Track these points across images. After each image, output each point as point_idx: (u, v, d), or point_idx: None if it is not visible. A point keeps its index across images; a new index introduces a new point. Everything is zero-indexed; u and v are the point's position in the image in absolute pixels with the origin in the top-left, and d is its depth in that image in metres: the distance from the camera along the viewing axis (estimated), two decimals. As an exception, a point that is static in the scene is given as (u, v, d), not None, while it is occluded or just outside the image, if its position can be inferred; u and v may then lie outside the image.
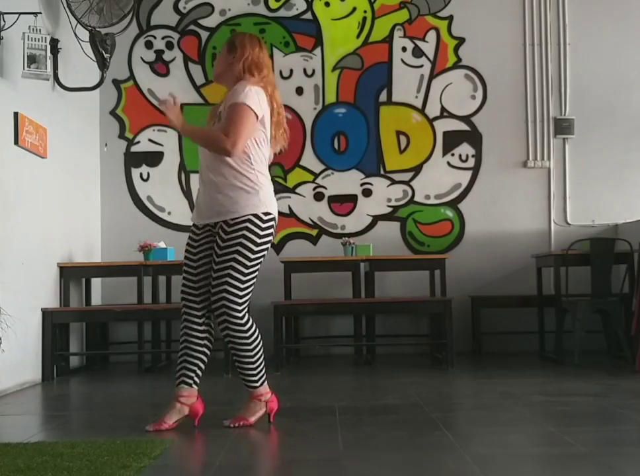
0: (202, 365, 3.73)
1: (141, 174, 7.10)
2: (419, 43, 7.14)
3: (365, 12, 7.17)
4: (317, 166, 7.09)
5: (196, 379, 3.70)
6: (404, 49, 7.14)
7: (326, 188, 7.07)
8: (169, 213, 7.08)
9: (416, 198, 7.08)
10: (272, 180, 3.81)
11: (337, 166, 7.10)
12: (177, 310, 6.04)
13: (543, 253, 6.56)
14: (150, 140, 7.10)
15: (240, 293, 3.60)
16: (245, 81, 3.69)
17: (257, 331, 3.68)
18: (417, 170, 7.09)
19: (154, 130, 7.10)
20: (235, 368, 3.72)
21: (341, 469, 2.88)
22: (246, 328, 3.61)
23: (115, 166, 7.08)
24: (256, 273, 3.66)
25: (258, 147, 3.68)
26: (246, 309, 3.64)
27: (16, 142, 5.21)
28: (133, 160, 7.10)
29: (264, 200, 3.66)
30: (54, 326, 5.67)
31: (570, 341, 5.86)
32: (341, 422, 3.74)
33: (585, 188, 7.06)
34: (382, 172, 7.10)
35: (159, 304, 6.22)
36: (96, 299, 6.77)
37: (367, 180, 7.09)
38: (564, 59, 7.12)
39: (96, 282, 6.77)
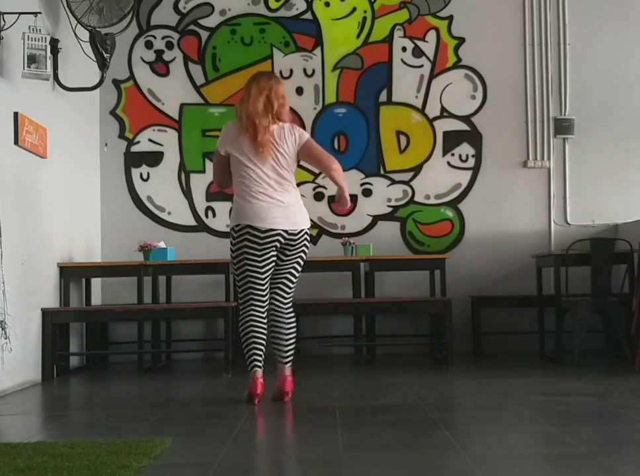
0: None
1: (141, 174, 7.10)
2: (419, 43, 7.14)
3: (365, 12, 7.17)
4: (317, 166, 7.08)
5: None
6: (404, 49, 7.14)
7: (326, 188, 7.06)
8: (169, 213, 7.08)
9: (416, 198, 7.08)
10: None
11: (337, 166, 7.09)
12: (177, 310, 6.13)
13: (543, 253, 6.56)
14: (150, 140, 7.10)
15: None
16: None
17: (244, 322, 4.28)
18: (417, 170, 7.09)
19: (154, 130, 7.10)
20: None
21: (341, 469, 2.87)
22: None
23: (115, 166, 7.07)
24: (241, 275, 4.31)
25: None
26: (242, 303, 4.34)
27: (16, 142, 5.21)
28: (133, 160, 7.10)
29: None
30: (54, 326, 5.67)
31: (570, 341, 5.86)
32: (341, 422, 3.74)
33: (585, 188, 7.07)
34: (382, 172, 7.10)
35: (158, 304, 6.22)
36: (96, 299, 6.77)
37: (367, 180, 7.09)
38: (564, 59, 7.12)
39: (96, 282, 6.77)
